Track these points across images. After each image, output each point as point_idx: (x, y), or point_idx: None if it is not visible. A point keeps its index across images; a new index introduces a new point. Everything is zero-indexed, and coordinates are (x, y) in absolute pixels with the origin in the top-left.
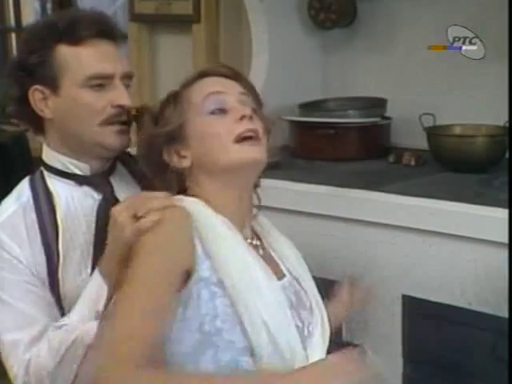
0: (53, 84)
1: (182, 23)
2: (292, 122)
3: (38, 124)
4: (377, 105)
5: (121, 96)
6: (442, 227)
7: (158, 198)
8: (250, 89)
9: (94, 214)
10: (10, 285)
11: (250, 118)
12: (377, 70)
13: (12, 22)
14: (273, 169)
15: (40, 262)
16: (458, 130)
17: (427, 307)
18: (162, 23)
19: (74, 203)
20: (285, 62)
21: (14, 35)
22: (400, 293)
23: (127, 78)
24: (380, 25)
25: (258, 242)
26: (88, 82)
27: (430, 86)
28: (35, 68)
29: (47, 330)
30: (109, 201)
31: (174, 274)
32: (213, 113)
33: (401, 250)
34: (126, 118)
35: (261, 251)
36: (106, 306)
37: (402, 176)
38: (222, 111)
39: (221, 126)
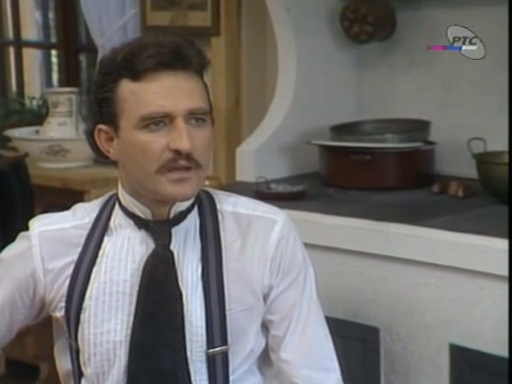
0: (114, 124)
1: (199, 36)
2: (322, 146)
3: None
4: (419, 128)
5: (178, 138)
6: (494, 268)
7: None
8: None
9: (142, 265)
10: (1, 284)
11: None
12: (418, 88)
13: (10, 34)
14: (299, 199)
15: (60, 286)
16: None
17: (477, 358)
18: None
19: (128, 245)
20: (314, 79)
21: (12, 49)
22: (446, 342)
23: (197, 114)
24: (422, 38)
25: None
26: (143, 123)
27: (479, 106)
28: (101, 105)
29: None
30: (159, 255)
31: None
32: None
33: (447, 293)
34: (184, 164)
35: None
36: None
37: (448, 208)
38: None
39: None
